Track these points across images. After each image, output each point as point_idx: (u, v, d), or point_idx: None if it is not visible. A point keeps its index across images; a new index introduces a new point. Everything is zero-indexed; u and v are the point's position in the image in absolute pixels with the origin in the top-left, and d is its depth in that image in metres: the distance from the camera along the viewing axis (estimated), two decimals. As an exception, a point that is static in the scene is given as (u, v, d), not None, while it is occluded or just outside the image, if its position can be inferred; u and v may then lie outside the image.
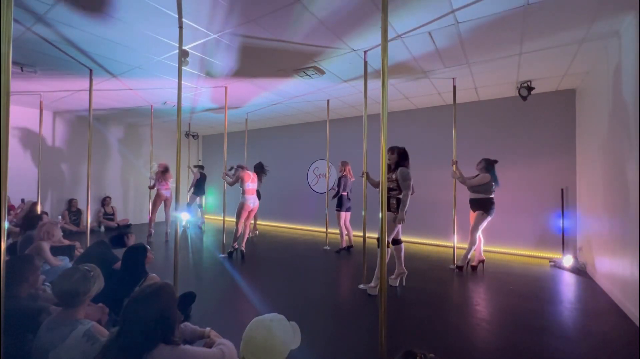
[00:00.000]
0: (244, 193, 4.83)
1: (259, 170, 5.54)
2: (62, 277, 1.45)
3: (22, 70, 3.99)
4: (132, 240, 3.01)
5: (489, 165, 4.12)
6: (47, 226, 3.06)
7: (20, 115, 6.18)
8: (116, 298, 2.05)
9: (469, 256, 4.18)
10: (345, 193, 5.12)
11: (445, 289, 3.61)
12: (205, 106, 6.11)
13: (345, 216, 5.18)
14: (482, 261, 4.33)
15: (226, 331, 1.70)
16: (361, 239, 3.84)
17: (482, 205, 4.11)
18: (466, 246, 5.36)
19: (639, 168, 2.57)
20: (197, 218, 7.81)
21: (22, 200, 5.87)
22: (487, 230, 5.27)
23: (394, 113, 6.24)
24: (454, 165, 4.33)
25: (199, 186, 7.22)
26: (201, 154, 10.09)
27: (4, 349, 1.12)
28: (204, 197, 7.54)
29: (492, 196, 4.11)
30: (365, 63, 3.52)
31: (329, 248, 5.46)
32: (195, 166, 7.53)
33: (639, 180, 2.57)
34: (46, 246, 2.96)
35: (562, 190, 4.73)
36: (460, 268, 4.16)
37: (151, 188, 6.21)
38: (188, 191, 7.47)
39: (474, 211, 4.19)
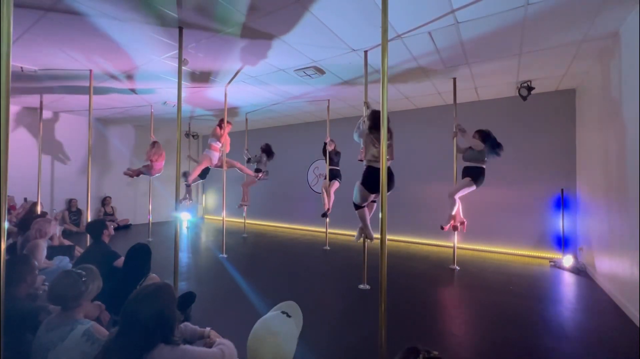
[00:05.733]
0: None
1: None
2: (55, 281, 1.45)
3: (22, 70, 3.99)
4: (108, 232, 2.78)
5: (483, 136, 3.94)
6: (39, 223, 3.01)
7: (20, 115, 6.18)
8: (117, 297, 2.04)
9: (452, 214, 4.16)
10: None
11: (445, 289, 3.61)
12: (205, 107, 6.11)
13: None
14: (463, 223, 4.29)
15: (226, 331, 1.70)
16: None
17: (471, 173, 3.97)
18: (466, 246, 5.41)
19: (638, 168, 2.57)
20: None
21: (25, 199, 5.87)
22: (487, 230, 5.29)
23: (394, 113, 6.23)
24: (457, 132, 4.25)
25: None
26: (201, 154, 10.08)
27: (3, 350, 1.12)
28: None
29: (483, 165, 3.97)
30: (366, 63, 3.52)
31: (329, 248, 5.46)
32: None
33: (638, 180, 2.57)
34: (42, 244, 2.91)
35: (562, 190, 4.72)
36: (442, 227, 4.20)
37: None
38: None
39: (463, 177, 4.08)
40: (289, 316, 1.13)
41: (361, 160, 3.31)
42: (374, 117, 3.07)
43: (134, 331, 1.10)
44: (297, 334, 1.12)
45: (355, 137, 3.33)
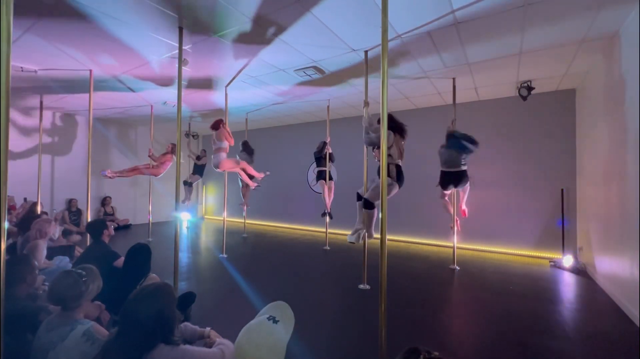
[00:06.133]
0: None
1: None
2: (55, 281, 1.44)
3: (22, 70, 3.99)
4: (108, 233, 2.76)
5: (447, 137, 3.94)
6: (40, 223, 3.01)
7: (21, 115, 6.18)
8: (117, 297, 2.04)
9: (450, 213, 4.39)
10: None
11: (445, 289, 3.61)
12: (205, 107, 6.11)
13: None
14: (463, 212, 4.47)
15: (226, 331, 1.70)
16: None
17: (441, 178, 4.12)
18: (466, 245, 5.41)
19: (638, 168, 2.57)
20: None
21: (25, 199, 5.87)
22: (487, 230, 5.29)
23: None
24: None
25: None
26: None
27: (3, 350, 1.12)
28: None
29: (450, 169, 3.95)
30: (366, 63, 3.52)
31: (329, 248, 5.46)
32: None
33: (638, 180, 2.57)
34: (42, 244, 2.91)
35: (562, 190, 4.72)
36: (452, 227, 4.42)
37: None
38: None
39: None
40: (276, 320, 1.09)
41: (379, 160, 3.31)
42: (391, 121, 3.13)
43: (133, 331, 1.10)
44: (287, 338, 1.09)
45: (374, 140, 3.19)
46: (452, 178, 3.94)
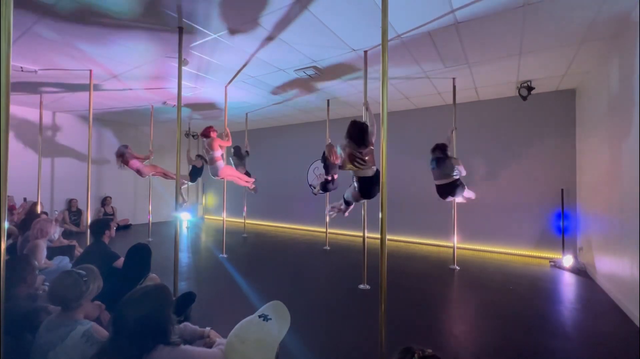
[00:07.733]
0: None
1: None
2: (55, 282, 1.44)
3: (22, 70, 3.99)
4: (109, 234, 2.73)
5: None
6: (41, 223, 3.01)
7: (20, 115, 6.18)
8: (117, 297, 2.03)
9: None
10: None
11: (445, 289, 3.61)
12: (205, 107, 6.11)
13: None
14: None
15: (226, 331, 1.70)
16: (361, 239, 3.84)
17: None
18: (466, 245, 5.40)
19: (638, 168, 2.57)
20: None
21: (25, 199, 5.87)
22: (487, 230, 5.29)
23: (394, 113, 6.23)
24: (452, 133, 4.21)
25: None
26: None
27: (3, 350, 1.12)
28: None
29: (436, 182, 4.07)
30: (365, 63, 3.52)
31: (329, 248, 5.46)
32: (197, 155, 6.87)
33: (638, 180, 2.57)
34: (42, 244, 2.91)
35: (562, 190, 4.72)
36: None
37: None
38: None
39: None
40: (267, 318, 1.10)
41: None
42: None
43: (125, 334, 1.10)
44: (278, 336, 1.10)
45: None
46: (446, 189, 4.00)
